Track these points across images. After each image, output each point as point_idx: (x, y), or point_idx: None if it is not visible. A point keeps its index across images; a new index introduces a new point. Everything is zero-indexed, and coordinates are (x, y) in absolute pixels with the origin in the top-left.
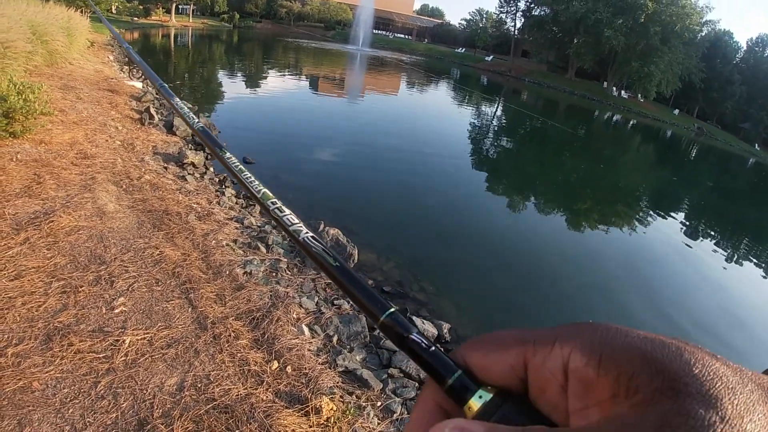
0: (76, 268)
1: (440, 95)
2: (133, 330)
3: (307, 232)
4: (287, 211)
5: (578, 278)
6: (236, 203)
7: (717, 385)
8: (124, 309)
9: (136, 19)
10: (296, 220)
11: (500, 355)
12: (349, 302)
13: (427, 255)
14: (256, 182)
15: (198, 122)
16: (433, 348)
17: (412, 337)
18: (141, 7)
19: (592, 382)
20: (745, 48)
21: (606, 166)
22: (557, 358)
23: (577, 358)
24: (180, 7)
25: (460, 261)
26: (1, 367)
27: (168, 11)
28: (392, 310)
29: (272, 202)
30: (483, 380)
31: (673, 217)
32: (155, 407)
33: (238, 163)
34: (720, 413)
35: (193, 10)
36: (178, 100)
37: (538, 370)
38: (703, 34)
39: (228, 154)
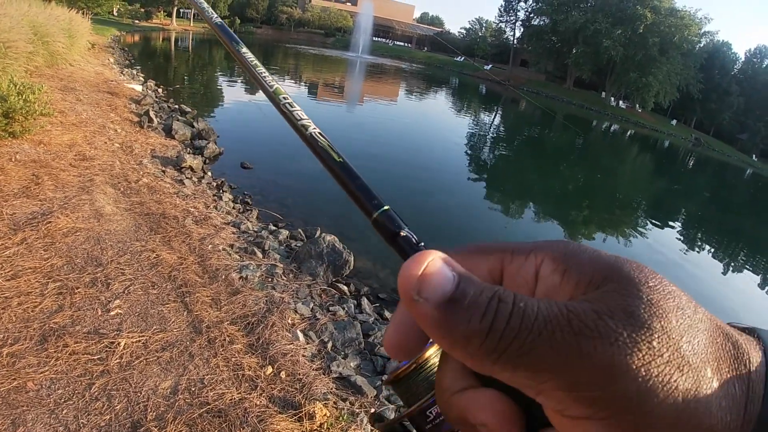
0: (73, 270)
1: (439, 103)
2: (128, 332)
3: (314, 128)
4: (297, 107)
5: None
6: (233, 208)
7: (668, 300)
8: (119, 311)
9: (137, 22)
10: (305, 116)
11: (480, 259)
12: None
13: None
14: (269, 77)
15: (216, 18)
16: (422, 244)
17: (404, 233)
18: (142, 10)
19: (556, 288)
20: (743, 59)
21: (603, 176)
22: (531, 265)
23: (548, 265)
24: (181, 11)
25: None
26: None
27: (169, 15)
28: (386, 207)
29: (283, 98)
30: None
31: (670, 228)
32: (149, 410)
33: (253, 59)
34: (662, 323)
35: (194, 15)
36: (214, 14)
37: (513, 274)
38: (702, 45)
39: (244, 49)
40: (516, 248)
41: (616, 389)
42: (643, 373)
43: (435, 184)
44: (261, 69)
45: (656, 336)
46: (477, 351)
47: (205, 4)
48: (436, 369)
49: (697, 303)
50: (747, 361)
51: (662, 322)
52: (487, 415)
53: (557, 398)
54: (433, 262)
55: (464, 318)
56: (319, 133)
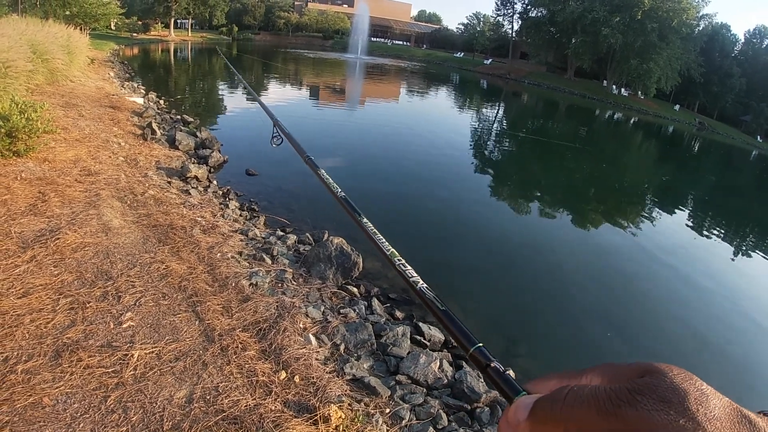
0: (83, 285)
1: (441, 100)
2: (141, 344)
3: (422, 284)
4: (409, 267)
5: (587, 279)
6: (240, 215)
7: (688, 383)
8: (131, 324)
9: (135, 35)
10: (415, 274)
11: (547, 383)
12: (366, 312)
13: (432, 261)
14: (386, 243)
15: (341, 192)
16: (509, 372)
17: (494, 364)
18: (140, 22)
19: None
20: (742, 40)
21: (609, 165)
22: (584, 382)
23: (595, 380)
24: (179, 21)
25: (466, 266)
26: (11, 383)
27: (167, 26)
28: (480, 345)
29: (398, 259)
30: None
31: (678, 213)
32: (165, 420)
33: (372, 228)
34: (680, 397)
35: (191, 24)
36: (323, 171)
37: None
38: (701, 28)
39: (365, 220)
40: (572, 374)
41: None
42: None
43: (441, 181)
44: (380, 236)
45: (674, 407)
46: (552, 421)
47: (331, 180)
48: None
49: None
50: None
51: (680, 398)
52: None
53: None
54: (519, 402)
55: (539, 409)
56: (426, 287)
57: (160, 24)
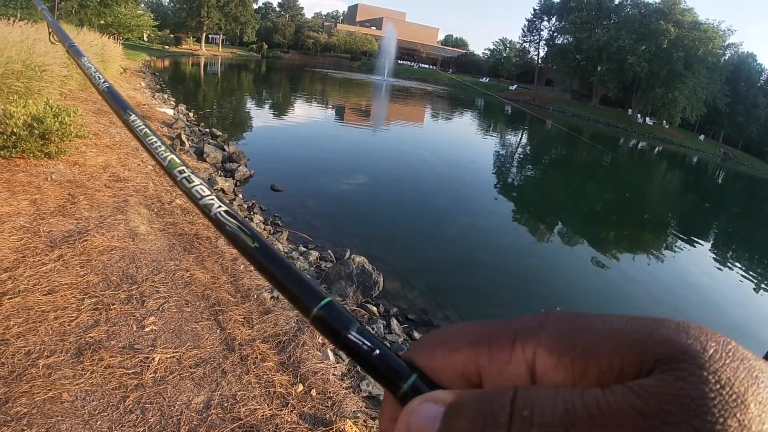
0: (108, 287)
1: (464, 125)
2: (162, 348)
3: (219, 206)
4: (197, 181)
5: (608, 307)
6: (264, 229)
7: (740, 374)
8: (154, 328)
9: (167, 47)
10: (207, 192)
11: (448, 358)
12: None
13: (452, 282)
14: (162, 148)
15: (105, 83)
16: (378, 351)
17: (351, 335)
18: (172, 35)
19: (569, 385)
20: None
21: (632, 194)
22: (519, 362)
23: (544, 359)
24: (210, 36)
25: (486, 288)
26: (32, 377)
27: (198, 40)
28: (328, 299)
29: (180, 171)
30: (439, 385)
31: (701, 245)
32: (182, 423)
33: (143, 127)
34: (739, 414)
35: (222, 40)
36: (85, 59)
37: (496, 378)
38: (726, 57)
39: (133, 117)
40: (494, 335)
41: None
42: None
43: (463, 205)
44: (152, 138)
45: None
46: None
47: (93, 69)
48: None
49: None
50: None
51: (741, 416)
52: None
53: None
54: (415, 412)
55: None
56: (225, 211)
57: (191, 38)
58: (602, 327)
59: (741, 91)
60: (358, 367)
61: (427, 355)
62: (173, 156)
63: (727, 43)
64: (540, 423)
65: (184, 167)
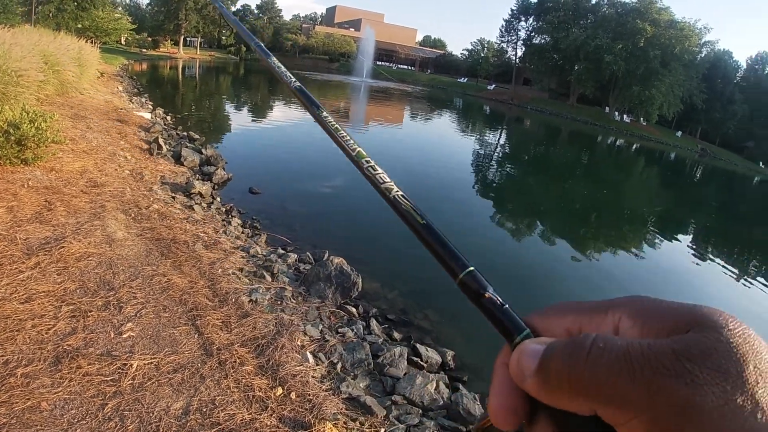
0: (86, 293)
1: (444, 125)
2: (140, 354)
3: (397, 191)
4: (380, 170)
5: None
6: (242, 233)
7: (746, 344)
8: (132, 334)
9: (144, 50)
10: (388, 179)
11: (559, 320)
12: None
13: (431, 283)
14: (352, 141)
15: (294, 82)
16: (506, 306)
17: (489, 294)
18: (150, 39)
19: None
20: (745, 67)
21: (610, 191)
22: (609, 323)
23: (626, 322)
24: (188, 39)
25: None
26: (10, 386)
27: (176, 43)
28: (471, 268)
29: (366, 161)
30: None
31: (679, 240)
32: (161, 430)
33: (334, 122)
34: (738, 367)
35: (200, 43)
36: (274, 58)
37: (593, 332)
38: (703, 55)
39: (324, 113)
40: (593, 308)
41: (691, 428)
42: (716, 416)
43: (442, 205)
44: (343, 132)
45: (731, 380)
46: (568, 388)
47: (284, 69)
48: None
49: None
50: None
51: (738, 367)
52: None
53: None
54: (524, 348)
55: (553, 367)
56: (402, 195)
57: (169, 41)
58: (663, 305)
59: (717, 88)
60: (489, 321)
61: (544, 318)
62: (360, 149)
63: (703, 41)
64: (610, 349)
65: (369, 158)
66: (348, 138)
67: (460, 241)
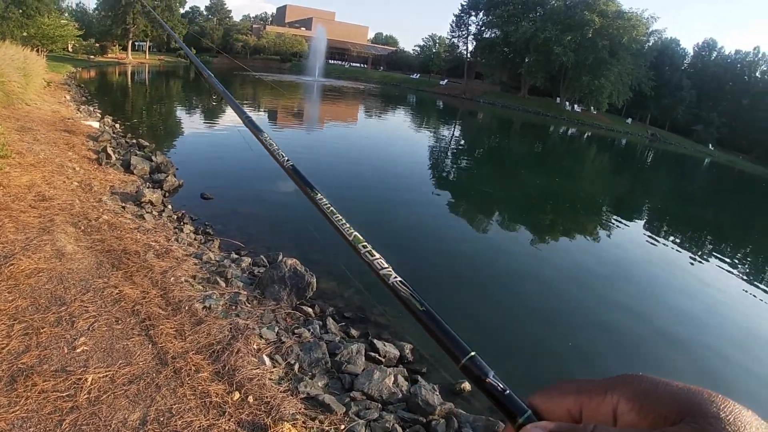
0: (38, 310)
1: (398, 121)
2: (95, 368)
3: (396, 277)
4: (377, 255)
5: (539, 289)
6: (195, 239)
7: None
8: (85, 348)
9: (92, 57)
10: (386, 265)
11: (560, 400)
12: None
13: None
14: (348, 225)
15: (288, 161)
16: (508, 391)
17: (490, 380)
18: (97, 45)
19: (635, 425)
20: (692, 53)
21: (564, 179)
22: (608, 405)
23: (624, 405)
24: (136, 44)
25: (422, 281)
26: None
27: (124, 48)
28: (472, 354)
29: (363, 246)
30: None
31: (634, 223)
32: None
33: (329, 205)
34: None
35: (149, 47)
36: (266, 134)
37: (593, 414)
38: (650, 44)
39: (319, 195)
40: (592, 389)
41: None
42: None
43: (399, 201)
44: (338, 216)
45: None
46: None
47: (275, 146)
48: None
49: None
50: None
51: None
52: None
53: None
54: None
55: None
56: (401, 281)
57: (117, 46)
58: (659, 389)
59: (666, 75)
60: (492, 404)
61: (546, 399)
62: (356, 233)
63: (650, 30)
64: None
65: (366, 243)
66: (344, 222)
67: (415, 234)
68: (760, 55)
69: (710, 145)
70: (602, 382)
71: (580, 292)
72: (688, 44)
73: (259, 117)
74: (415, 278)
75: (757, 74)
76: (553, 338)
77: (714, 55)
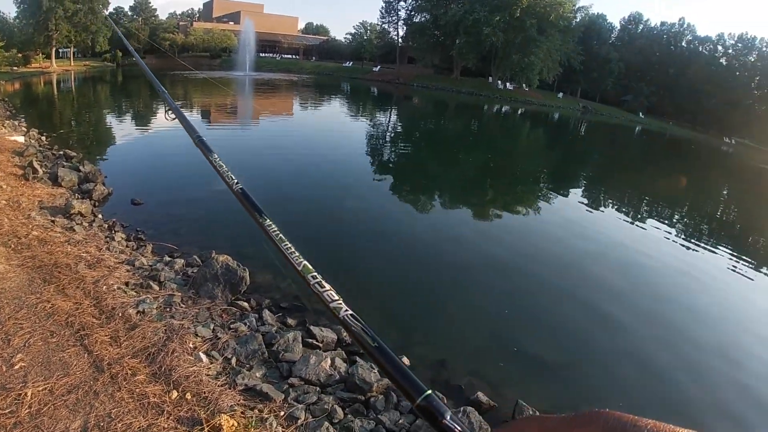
0: None
1: (333, 110)
2: (33, 383)
3: (346, 310)
4: (328, 287)
5: (475, 266)
6: (127, 246)
7: None
8: (23, 364)
9: (15, 68)
10: (336, 297)
11: None
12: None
13: (323, 265)
14: (297, 254)
15: (237, 184)
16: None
17: (446, 421)
18: (20, 55)
19: None
20: (619, 27)
21: (502, 155)
22: None
23: None
24: (60, 51)
25: (358, 268)
26: None
27: (48, 56)
28: (428, 392)
29: (313, 276)
30: None
31: (572, 193)
32: None
33: (278, 232)
34: None
35: (74, 53)
36: (216, 156)
37: None
38: (578, 20)
39: (268, 222)
40: (556, 428)
41: None
42: None
43: (335, 188)
44: (287, 244)
45: None
46: None
47: (225, 168)
48: None
49: None
50: None
51: None
52: None
53: None
54: None
55: None
56: (351, 315)
57: (41, 55)
58: (629, 429)
59: (594, 49)
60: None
61: None
62: (306, 262)
63: (577, 6)
64: None
65: (316, 273)
66: (293, 250)
67: (353, 220)
68: (685, 26)
69: (641, 114)
70: (567, 420)
71: (526, 269)
72: (615, 19)
73: (190, 116)
74: (341, 259)
75: (683, 44)
76: (503, 330)
77: (641, 27)
